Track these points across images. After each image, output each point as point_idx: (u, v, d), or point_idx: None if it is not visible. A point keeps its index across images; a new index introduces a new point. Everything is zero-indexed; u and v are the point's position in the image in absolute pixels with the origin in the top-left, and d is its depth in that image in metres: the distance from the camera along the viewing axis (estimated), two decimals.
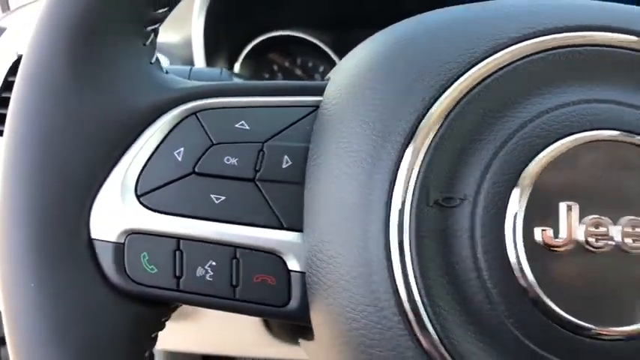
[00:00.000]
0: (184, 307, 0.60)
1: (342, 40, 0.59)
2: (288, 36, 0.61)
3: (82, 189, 0.22)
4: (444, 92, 0.21)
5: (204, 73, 0.35)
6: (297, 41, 0.61)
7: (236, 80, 0.36)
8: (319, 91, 0.24)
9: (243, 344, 0.63)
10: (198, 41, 0.49)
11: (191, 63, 0.51)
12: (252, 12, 0.55)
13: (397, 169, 0.20)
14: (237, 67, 0.58)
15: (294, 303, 0.22)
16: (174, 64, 0.51)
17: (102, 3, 0.22)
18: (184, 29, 0.51)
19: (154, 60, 0.25)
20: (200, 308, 0.58)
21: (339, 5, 0.57)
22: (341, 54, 0.59)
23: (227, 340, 0.62)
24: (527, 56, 0.21)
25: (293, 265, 0.22)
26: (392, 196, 0.20)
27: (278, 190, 0.23)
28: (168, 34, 0.53)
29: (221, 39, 0.53)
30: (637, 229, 0.19)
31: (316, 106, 0.24)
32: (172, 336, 0.63)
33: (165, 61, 0.51)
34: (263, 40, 0.60)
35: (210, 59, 0.52)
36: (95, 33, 0.22)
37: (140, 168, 0.23)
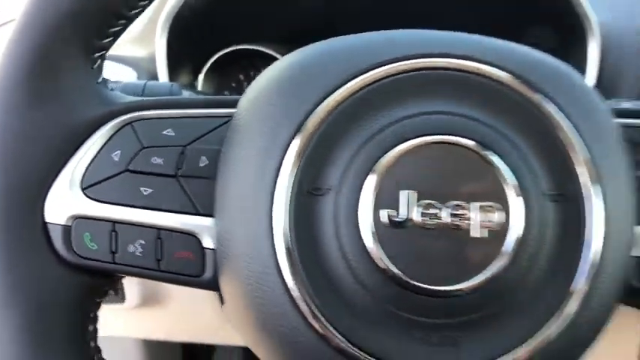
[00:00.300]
0: (156, 296, 0.65)
1: None
2: (251, 49, 0.67)
3: (39, 183, 0.28)
4: (319, 104, 0.27)
5: (157, 87, 0.41)
6: (261, 54, 0.67)
7: (185, 94, 0.42)
8: (234, 104, 0.30)
9: (216, 331, 0.67)
10: (161, 58, 0.54)
11: (156, 76, 0.57)
12: (214, 29, 0.61)
13: (280, 165, 0.26)
14: (200, 79, 0.64)
15: (207, 274, 0.28)
16: (142, 77, 0.57)
17: (57, 38, 0.28)
18: (150, 45, 0.57)
19: (100, 80, 0.31)
20: (170, 295, 0.64)
21: (299, 21, 0.63)
22: None
23: (201, 327, 0.65)
24: (386, 77, 0.27)
25: (207, 243, 0.28)
26: (276, 186, 0.26)
27: (195, 184, 0.28)
28: (136, 49, 0.59)
29: (184, 54, 0.59)
30: (460, 211, 0.25)
31: (231, 116, 0.30)
32: (145, 324, 0.67)
33: (132, 74, 0.57)
34: (228, 53, 0.66)
35: (173, 73, 0.57)
36: (50, 61, 0.28)
37: (85, 166, 0.28)
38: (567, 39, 0.55)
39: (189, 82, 0.63)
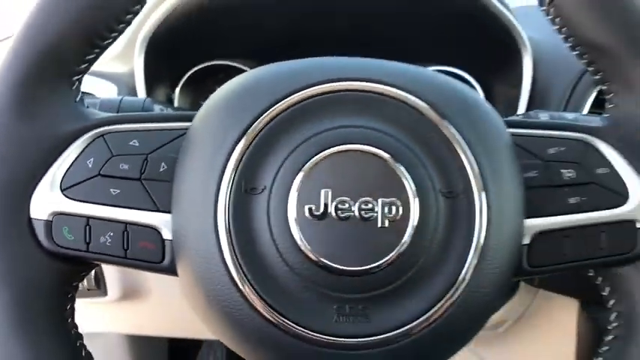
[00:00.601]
0: (137, 289, 0.70)
1: None
2: (224, 65, 0.73)
3: (25, 185, 0.33)
4: (257, 119, 0.32)
5: (132, 102, 0.47)
6: (235, 69, 0.73)
7: (156, 108, 0.48)
8: (190, 118, 0.36)
9: (200, 326, 0.71)
10: (140, 75, 0.60)
11: (136, 90, 0.62)
12: (189, 47, 0.67)
13: (224, 169, 0.32)
14: (177, 92, 0.69)
15: (166, 261, 0.34)
16: (122, 91, 0.63)
17: (40, 67, 0.33)
18: (130, 62, 0.63)
19: (78, 99, 0.37)
20: (151, 289, 0.69)
21: (266, 40, 0.69)
22: None
23: (184, 321, 0.69)
24: (312, 97, 0.33)
25: (166, 235, 0.34)
26: (220, 186, 0.32)
27: (156, 185, 0.34)
28: (117, 65, 0.65)
29: (161, 70, 0.65)
30: (369, 205, 0.31)
31: (186, 129, 0.35)
32: (128, 318, 0.72)
33: (113, 88, 0.63)
34: (203, 68, 0.72)
35: (151, 87, 0.63)
36: (35, 86, 0.33)
37: (64, 172, 0.34)
38: (505, 55, 0.61)
39: (166, 96, 0.68)
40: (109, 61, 0.66)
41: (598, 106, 0.55)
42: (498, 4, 0.58)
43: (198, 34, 0.64)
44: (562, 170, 0.35)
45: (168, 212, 0.34)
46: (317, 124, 0.33)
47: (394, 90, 0.33)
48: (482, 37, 0.61)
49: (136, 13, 0.36)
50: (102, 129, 0.35)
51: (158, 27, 0.60)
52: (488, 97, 0.66)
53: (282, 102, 0.33)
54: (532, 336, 0.71)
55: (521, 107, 0.60)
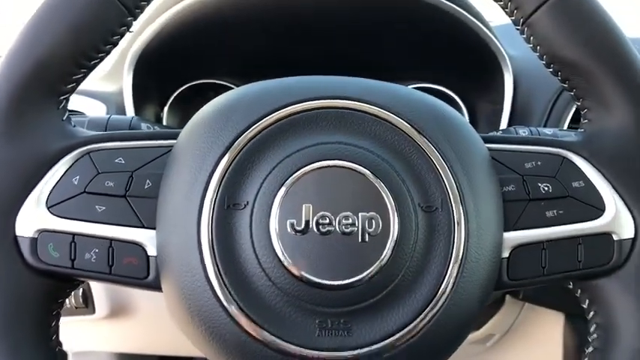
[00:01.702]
0: (125, 307, 0.70)
1: None
2: (214, 83, 0.74)
3: (11, 203, 0.34)
4: (239, 137, 0.33)
5: (119, 121, 0.47)
6: (224, 86, 0.74)
7: (143, 126, 0.49)
8: (175, 136, 0.37)
9: (189, 343, 0.71)
10: (128, 94, 0.61)
11: (124, 109, 0.63)
12: (177, 66, 0.68)
13: (208, 184, 0.33)
14: (165, 111, 0.70)
15: (151, 276, 0.34)
16: (111, 110, 0.63)
17: (28, 87, 0.34)
18: (119, 81, 0.63)
19: (65, 117, 0.37)
20: (139, 306, 0.69)
21: (252, 58, 0.71)
22: None
23: (173, 339, 0.67)
24: (293, 114, 0.34)
25: (151, 251, 0.34)
26: (203, 202, 0.32)
27: (141, 202, 0.35)
28: (106, 84, 0.65)
29: (150, 89, 0.66)
30: (349, 220, 0.32)
31: (171, 147, 0.36)
32: (117, 336, 0.72)
33: (102, 107, 0.64)
34: (192, 86, 0.73)
35: (140, 106, 0.64)
36: (22, 104, 0.34)
37: (50, 189, 0.34)
38: (485, 73, 0.62)
39: (155, 115, 0.69)
40: (98, 80, 0.66)
41: (577, 121, 0.57)
42: (477, 22, 0.59)
43: (187, 52, 0.66)
44: (539, 184, 0.36)
45: (153, 228, 0.34)
46: (298, 141, 0.33)
47: (372, 107, 0.34)
48: (462, 55, 0.62)
49: (123, 35, 0.37)
50: (88, 147, 0.36)
51: (147, 46, 0.61)
52: (472, 113, 0.67)
53: (264, 120, 0.34)
54: (519, 349, 0.71)
55: (503, 123, 0.61)
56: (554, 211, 0.35)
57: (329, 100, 0.34)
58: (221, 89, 0.73)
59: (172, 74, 0.69)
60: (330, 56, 0.65)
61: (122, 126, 0.48)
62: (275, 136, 0.33)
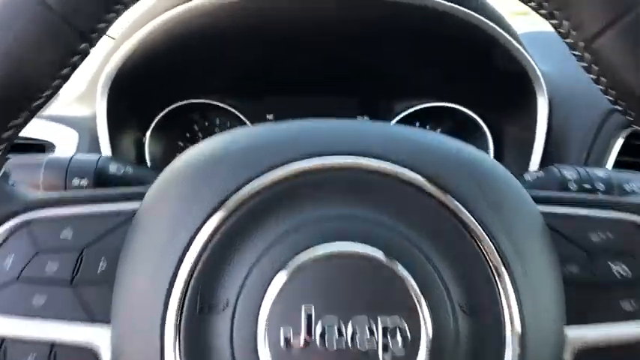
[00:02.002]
0: None
1: (254, 105, 0.63)
2: (202, 103, 0.65)
3: None
4: (218, 209, 0.25)
5: (83, 162, 0.39)
6: (214, 107, 0.66)
7: (112, 167, 0.41)
8: (139, 197, 0.28)
9: None
10: (102, 120, 0.53)
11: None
12: (156, 86, 0.60)
13: (176, 275, 0.24)
14: (148, 135, 0.62)
15: None
16: (84, 137, 0.55)
17: None
18: (94, 104, 0.55)
19: (0, 175, 0.29)
20: None
21: (242, 75, 0.62)
22: (250, 117, 0.64)
23: None
24: (280, 181, 0.25)
25: (105, 356, 0.26)
26: (168, 305, 0.24)
27: (93, 291, 0.27)
28: (80, 107, 0.57)
29: (128, 113, 0.58)
30: (364, 327, 0.23)
31: (134, 212, 0.28)
32: None
33: (73, 136, 0.56)
34: (177, 108, 0.64)
35: (118, 131, 0.56)
36: None
37: None
38: (516, 93, 0.54)
39: (136, 141, 0.61)
40: (71, 102, 0.58)
41: (627, 154, 0.48)
42: (508, 36, 0.51)
43: (168, 71, 0.57)
44: (610, 264, 0.28)
45: (107, 323, 0.26)
46: (292, 217, 0.25)
47: (401, 169, 0.26)
48: (491, 72, 0.54)
49: (76, 66, 0.28)
50: (27, 215, 0.28)
51: (122, 66, 0.53)
52: (496, 139, 0.58)
53: (250, 184, 0.25)
54: None
55: (536, 153, 0.52)
56: (632, 302, 0.27)
57: (340, 157, 0.26)
58: (209, 109, 0.65)
59: (154, 94, 0.61)
60: (334, 71, 0.56)
61: (87, 168, 0.40)
62: (263, 209, 0.25)
